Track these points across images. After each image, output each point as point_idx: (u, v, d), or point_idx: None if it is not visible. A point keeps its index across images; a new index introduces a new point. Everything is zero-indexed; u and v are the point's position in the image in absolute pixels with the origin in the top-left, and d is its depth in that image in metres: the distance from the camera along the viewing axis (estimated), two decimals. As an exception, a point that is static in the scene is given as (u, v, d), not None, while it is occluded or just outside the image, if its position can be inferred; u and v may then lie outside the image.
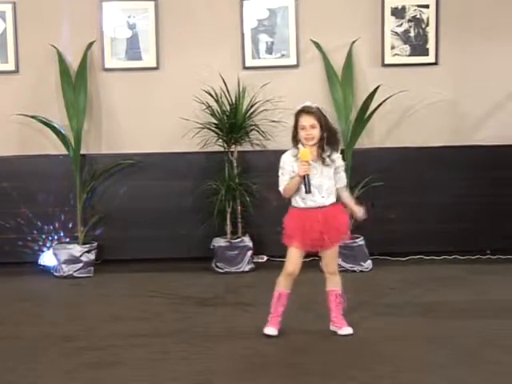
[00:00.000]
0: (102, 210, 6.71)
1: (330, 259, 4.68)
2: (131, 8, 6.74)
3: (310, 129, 4.52)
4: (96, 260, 6.56)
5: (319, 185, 4.55)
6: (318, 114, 4.55)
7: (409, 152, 6.80)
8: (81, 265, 6.38)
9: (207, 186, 6.56)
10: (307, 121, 4.52)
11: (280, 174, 4.64)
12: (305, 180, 4.46)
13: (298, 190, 4.56)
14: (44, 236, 6.73)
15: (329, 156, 4.57)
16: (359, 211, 4.66)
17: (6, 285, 6.18)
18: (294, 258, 4.61)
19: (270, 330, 4.61)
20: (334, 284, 4.69)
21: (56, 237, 6.73)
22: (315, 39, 6.74)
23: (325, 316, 4.76)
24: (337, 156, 4.64)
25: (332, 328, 4.69)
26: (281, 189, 4.63)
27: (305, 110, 4.56)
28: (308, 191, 4.46)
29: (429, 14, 6.77)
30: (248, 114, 6.53)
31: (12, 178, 6.69)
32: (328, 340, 4.55)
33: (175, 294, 5.75)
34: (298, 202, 4.60)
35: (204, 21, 6.75)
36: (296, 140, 4.59)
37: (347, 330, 4.63)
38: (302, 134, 4.54)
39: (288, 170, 4.58)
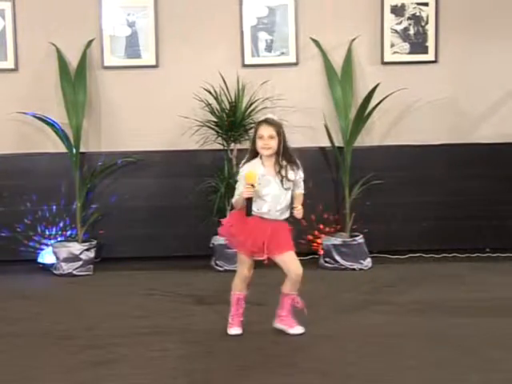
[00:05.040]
0: (101, 208, 6.72)
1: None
2: (130, 6, 6.73)
3: (268, 139, 4.49)
4: (95, 258, 6.56)
5: (275, 198, 4.51)
6: (278, 127, 4.53)
7: (408, 150, 6.80)
8: (80, 263, 6.38)
9: (207, 184, 6.56)
10: (266, 131, 4.50)
11: (236, 185, 4.64)
12: (247, 203, 4.42)
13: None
14: (43, 234, 6.73)
15: (285, 172, 4.51)
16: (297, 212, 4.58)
17: (6, 283, 6.18)
18: (246, 262, 4.65)
19: (235, 330, 4.64)
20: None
21: (55, 235, 6.73)
22: (315, 37, 6.74)
23: (324, 315, 4.75)
24: (294, 173, 4.56)
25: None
26: (233, 200, 4.66)
27: (266, 121, 4.55)
28: (249, 214, 4.43)
29: (428, 12, 6.77)
30: (247, 112, 6.53)
31: (11, 175, 6.69)
32: (328, 338, 4.55)
33: (175, 291, 5.75)
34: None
35: (203, 19, 6.75)
36: (253, 151, 4.57)
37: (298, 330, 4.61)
38: (259, 143, 4.52)
39: (244, 182, 4.50)
